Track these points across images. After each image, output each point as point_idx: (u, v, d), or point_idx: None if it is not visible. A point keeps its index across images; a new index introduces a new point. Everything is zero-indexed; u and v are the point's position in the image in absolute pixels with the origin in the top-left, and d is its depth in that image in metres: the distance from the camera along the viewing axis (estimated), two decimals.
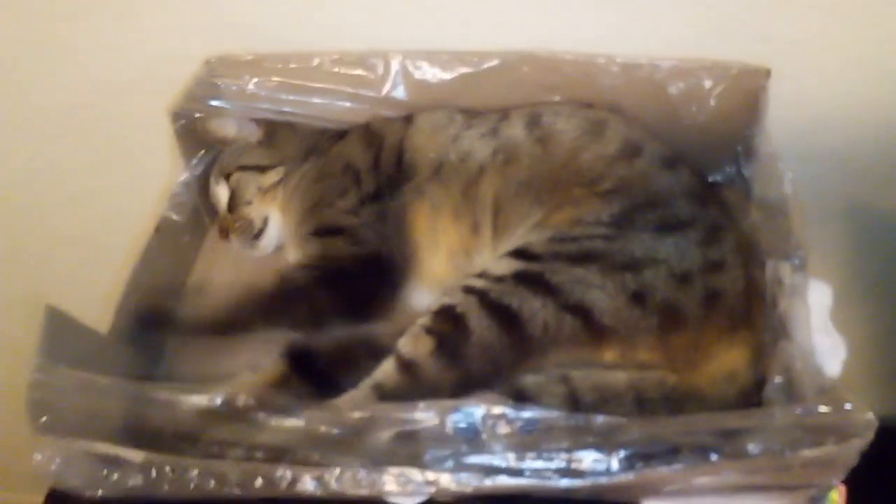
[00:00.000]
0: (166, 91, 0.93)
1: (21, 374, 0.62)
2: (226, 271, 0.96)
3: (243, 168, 0.94)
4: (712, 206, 0.79)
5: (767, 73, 0.86)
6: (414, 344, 0.70)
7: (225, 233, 0.93)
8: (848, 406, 0.55)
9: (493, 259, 0.78)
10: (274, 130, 0.96)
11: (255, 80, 0.92)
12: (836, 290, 0.69)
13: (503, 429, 0.56)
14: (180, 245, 0.94)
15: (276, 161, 0.94)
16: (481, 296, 0.70)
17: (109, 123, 1.07)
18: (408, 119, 0.93)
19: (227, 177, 0.94)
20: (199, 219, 0.98)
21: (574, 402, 0.66)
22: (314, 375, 0.78)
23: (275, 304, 0.80)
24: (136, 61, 1.00)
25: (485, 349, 0.68)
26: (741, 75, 0.86)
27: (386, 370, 0.70)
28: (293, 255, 0.90)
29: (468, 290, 0.72)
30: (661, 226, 0.74)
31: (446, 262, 0.84)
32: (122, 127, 1.07)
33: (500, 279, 0.71)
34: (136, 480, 0.57)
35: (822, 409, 0.55)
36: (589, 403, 0.66)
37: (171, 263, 0.92)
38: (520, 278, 0.71)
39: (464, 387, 0.66)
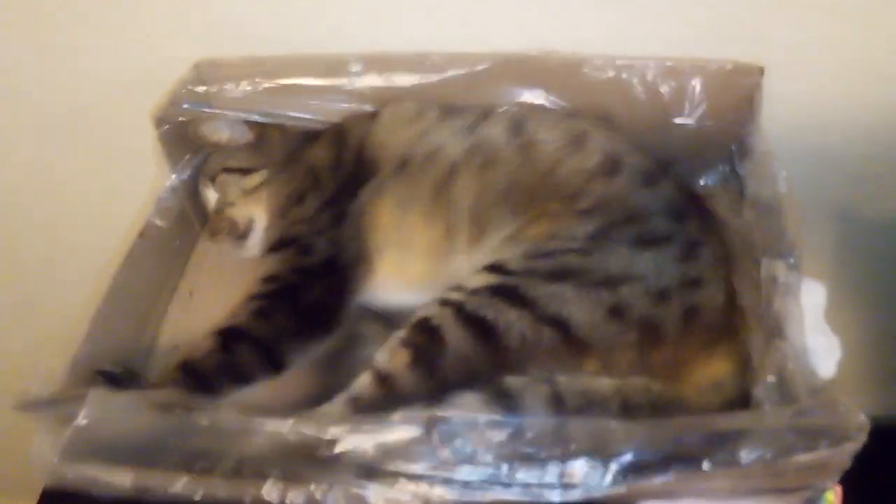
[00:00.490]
0: (159, 95, 0.93)
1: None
2: (218, 275, 0.95)
3: (228, 170, 0.93)
4: (691, 222, 0.78)
5: (761, 71, 0.85)
6: (390, 356, 0.69)
7: (213, 234, 0.93)
8: (841, 407, 0.54)
9: (468, 268, 0.78)
10: (263, 133, 0.95)
11: (241, 83, 0.92)
12: (830, 290, 0.68)
13: (490, 438, 0.55)
14: (168, 250, 0.94)
15: (260, 163, 0.93)
16: (457, 308, 0.70)
17: (106, 127, 1.07)
18: (373, 115, 0.92)
19: (213, 179, 0.94)
20: (188, 223, 0.98)
21: (558, 404, 0.65)
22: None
23: (211, 370, 0.73)
24: (132, 65, 1.00)
25: (461, 361, 0.68)
26: (734, 73, 0.85)
27: (363, 383, 0.69)
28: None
29: (444, 303, 0.72)
30: (638, 242, 0.73)
31: (423, 261, 0.83)
32: (118, 130, 1.06)
33: (475, 292, 0.71)
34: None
35: (815, 410, 0.55)
36: (574, 407, 0.65)
37: (157, 269, 0.91)
38: (495, 291, 0.71)
39: (441, 399, 0.65)
